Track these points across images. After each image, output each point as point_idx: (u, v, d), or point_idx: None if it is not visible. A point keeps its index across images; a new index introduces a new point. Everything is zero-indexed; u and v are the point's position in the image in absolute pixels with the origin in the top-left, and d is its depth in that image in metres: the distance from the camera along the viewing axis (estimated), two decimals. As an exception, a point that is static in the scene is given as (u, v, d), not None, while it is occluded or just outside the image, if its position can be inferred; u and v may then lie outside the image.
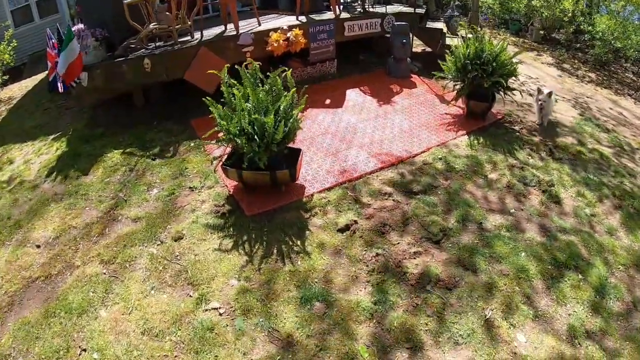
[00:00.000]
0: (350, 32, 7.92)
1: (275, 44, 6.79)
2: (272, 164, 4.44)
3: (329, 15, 7.97)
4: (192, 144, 5.95)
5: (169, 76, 6.38)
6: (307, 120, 6.48)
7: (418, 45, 9.58)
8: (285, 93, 4.46)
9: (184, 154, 5.79)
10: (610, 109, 8.59)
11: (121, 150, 5.79)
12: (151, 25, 6.39)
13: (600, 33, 10.24)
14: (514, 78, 6.58)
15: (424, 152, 5.78)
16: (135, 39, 6.40)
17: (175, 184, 5.17)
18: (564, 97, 8.42)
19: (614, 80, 10.66)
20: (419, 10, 8.69)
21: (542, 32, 12.18)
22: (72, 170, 5.48)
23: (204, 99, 4.65)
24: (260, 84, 4.61)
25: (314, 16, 7.99)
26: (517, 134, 6.63)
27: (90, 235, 4.48)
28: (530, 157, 6.06)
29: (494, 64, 6.07)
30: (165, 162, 5.58)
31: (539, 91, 6.60)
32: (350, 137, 6.00)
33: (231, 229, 4.48)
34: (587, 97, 8.81)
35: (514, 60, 6.40)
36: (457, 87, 6.59)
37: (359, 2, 8.55)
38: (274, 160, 4.53)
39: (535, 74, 9.61)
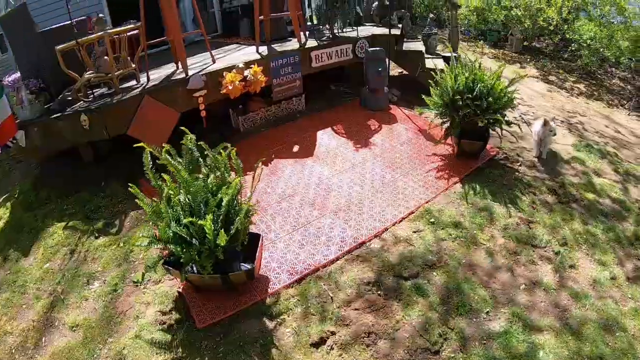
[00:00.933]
0: (319, 63, 6.86)
1: (231, 87, 5.70)
2: (223, 261, 3.35)
3: (293, 43, 6.89)
4: (139, 214, 4.96)
5: (111, 133, 5.32)
6: (272, 177, 5.42)
7: (394, 68, 8.56)
8: (231, 177, 3.33)
9: (130, 228, 4.84)
10: (606, 126, 7.70)
11: (64, 224, 5.00)
12: (87, 75, 5.33)
13: (588, 41, 9.33)
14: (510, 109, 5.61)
15: (413, 213, 4.74)
16: (71, 91, 5.38)
17: (119, 274, 4.27)
18: (556, 118, 7.49)
19: (603, 89, 9.81)
20: (394, 31, 7.66)
21: (523, 42, 11.29)
22: (13, 250, 4.81)
23: (130, 187, 3.53)
24: (199, 160, 3.50)
25: (276, 46, 6.92)
26: (517, 173, 5.66)
27: (26, 347, 3.74)
28: (534, 206, 5.09)
29: (489, 97, 5.05)
30: (109, 241, 4.68)
31: (545, 123, 5.65)
32: (322, 199, 4.94)
33: (179, 349, 3.48)
34: (581, 116, 7.90)
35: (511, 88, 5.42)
36: (445, 124, 5.58)
37: (327, 27, 7.44)
38: (227, 253, 3.45)
39: (523, 91, 8.67)
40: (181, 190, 3.09)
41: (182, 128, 3.60)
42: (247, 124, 6.53)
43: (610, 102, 9.20)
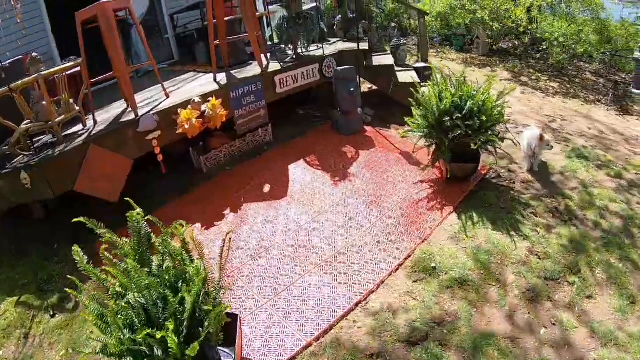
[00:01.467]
0: (284, 88, 6.22)
1: (188, 125, 4.99)
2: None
3: (254, 68, 6.22)
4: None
5: (56, 191, 4.56)
6: (243, 226, 4.72)
7: (363, 83, 7.99)
8: (191, 267, 2.61)
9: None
10: (589, 127, 7.30)
11: (16, 299, 4.33)
12: (24, 125, 4.55)
13: (560, 38, 9.00)
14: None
15: (409, 257, 4.13)
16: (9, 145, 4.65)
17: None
18: (537, 125, 7.05)
19: (576, 86, 9.51)
20: (362, 45, 7.08)
21: (490, 44, 10.93)
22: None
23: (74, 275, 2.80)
24: (151, 237, 2.79)
25: (236, 72, 6.24)
26: (512, 192, 5.15)
27: None
28: (538, 231, 4.57)
29: (481, 116, 4.50)
30: (66, 321, 4.00)
31: (541, 138, 5.18)
32: (305, 251, 4.28)
33: None
34: (561, 119, 7.49)
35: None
36: (431, 146, 5.01)
37: (290, 46, 6.80)
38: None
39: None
40: (133, 286, 2.37)
41: (127, 199, 2.86)
42: (210, 163, 5.82)
43: (586, 98, 8.88)
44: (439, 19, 11.10)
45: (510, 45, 11.54)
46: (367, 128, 6.66)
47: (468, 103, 4.48)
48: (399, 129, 6.69)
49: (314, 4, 8.69)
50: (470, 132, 4.49)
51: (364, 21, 8.94)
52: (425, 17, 8.23)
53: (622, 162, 6.05)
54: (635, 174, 5.72)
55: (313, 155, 5.97)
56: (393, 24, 11.51)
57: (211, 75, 6.26)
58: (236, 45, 6.80)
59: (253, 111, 5.95)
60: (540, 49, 9.80)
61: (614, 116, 8.19)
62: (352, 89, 6.08)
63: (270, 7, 8.66)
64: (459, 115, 4.48)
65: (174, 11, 8.83)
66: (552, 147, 5.30)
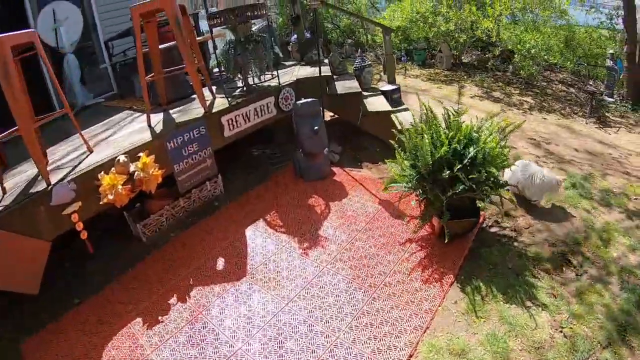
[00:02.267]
0: (233, 130, 5.18)
1: (112, 195, 3.86)
2: None
3: (198, 107, 5.12)
4: None
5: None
6: (195, 325, 3.63)
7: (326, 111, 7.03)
8: None
9: None
10: (576, 150, 6.59)
11: None
12: None
13: (532, 50, 8.35)
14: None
15: (412, 356, 3.17)
16: None
17: None
18: (526, 148, 6.34)
19: (549, 97, 8.89)
20: (324, 70, 6.13)
21: (453, 57, 10.23)
22: None
23: None
24: None
25: (177, 111, 5.19)
26: (515, 244, 4.33)
27: None
28: (555, 294, 3.78)
29: (489, 167, 3.62)
30: None
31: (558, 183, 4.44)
32: (277, 358, 3.22)
33: None
34: (546, 143, 6.78)
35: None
36: (421, 201, 4.08)
37: (239, 76, 5.76)
38: None
39: (475, 115, 7.54)
40: None
41: None
42: (149, 230, 4.70)
43: (562, 111, 8.25)
44: (398, 34, 10.32)
45: (474, 57, 10.89)
46: (336, 169, 5.70)
47: (471, 150, 3.58)
48: (373, 168, 5.77)
49: (265, 23, 7.64)
50: (474, 185, 3.58)
51: (320, 39, 8.04)
52: (391, 33, 7.35)
53: (619, 186, 5.49)
54: (635, 199, 5.21)
55: (274, 211, 4.95)
56: (349, 41, 10.65)
57: (153, 115, 5.16)
58: (176, 77, 5.70)
59: (197, 162, 4.88)
60: (512, 61, 9.12)
61: (595, 129, 7.59)
62: (316, 127, 5.11)
63: (215, 30, 7.53)
64: (461, 165, 3.56)
65: (110, 37, 7.59)
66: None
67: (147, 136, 4.60)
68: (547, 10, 8.62)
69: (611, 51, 8.91)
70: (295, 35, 7.58)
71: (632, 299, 3.66)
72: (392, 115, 5.78)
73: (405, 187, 4.02)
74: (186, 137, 4.70)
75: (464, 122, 4.01)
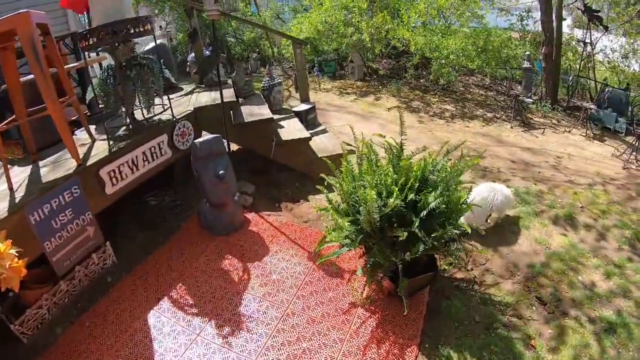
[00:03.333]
0: (118, 184, 4.04)
1: None
2: None
3: (71, 160, 3.90)
4: None
5: None
6: None
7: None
8: None
9: None
10: (512, 161, 6.18)
11: None
12: None
13: (452, 56, 7.95)
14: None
15: None
16: None
17: None
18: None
19: (469, 102, 8.60)
20: (228, 96, 5.16)
21: (365, 67, 9.68)
22: None
23: None
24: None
25: (47, 166, 3.94)
26: (478, 289, 3.71)
27: None
28: (533, 345, 3.23)
29: (452, 216, 2.85)
30: None
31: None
32: None
33: None
34: (476, 150, 6.33)
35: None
36: (368, 261, 3.23)
37: (122, 110, 4.54)
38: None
39: (395, 136, 6.93)
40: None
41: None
42: (29, 328, 3.45)
43: (484, 117, 7.96)
44: (307, 45, 9.58)
45: (387, 66, 10.43)
46: (250, 215, 4.75)
47: (430, 199, 2.77)
48: (294, 208, 4.89)
49: (158, 42, 6.45)
50: (436, 243, 2.79)
51: (222, 54, 7.04)
52: (303, 47, 6.54)
53: (562, 195, 5.21)
54: (581, 207, 4.95)
55: (181, 283, 3.89)
56: (255, 55, 9.74)
57: (18, 169, 3.90)
58: (47, 117, 4.37)
59: (75, 234, 3.69)
60: (430, 69, 8.69)
61: (521, 133, 7.31)
62: (221, 172, 4.12)
63: (94, 54, 6.20)
64: (418, 218, 2.74)
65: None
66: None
67: (1, 209, 3.34)
68: (463, 15, 8.28)
69: (527, 52, 8.80)
70: (193, 54, 6.52)
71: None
72: (311, 143, 4.98)
73: (343, 245, 3.15)
74: (54, 203, 3.50)
75: (411, 156, 3.23)
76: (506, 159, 6.13)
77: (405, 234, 2.67)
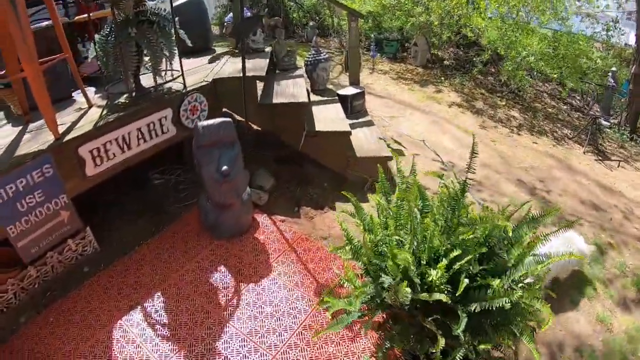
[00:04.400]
0: (103, 165, 3.30)
1: None
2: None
3: (45, 132, 3.18)
4: None
5: None
6: None
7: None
8: None
9: None
10: (581, 201, 5.05)
11: None
12: None
13: (530, 59, 6.73)
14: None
15: None
16: None
17: None
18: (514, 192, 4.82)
19: (539, 113, 7.40)
20: (257, 67, 4.33)
21: (430, 54, 8.53)
22: None
23: None
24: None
25: (31, 133, 3.27)
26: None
27: None
28: None
29: (513, 318, 1.99)
30: None
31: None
32: None
33: None
34: (539, 177, 5.32)
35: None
36: (383, 341, 2.40)
37: (120, 69, 3.50)
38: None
39: (452, 134, 5.95)
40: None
41: None
42: None
43: (554, 134, 6.79)
44: (369, 20, 8.50)
45: (452, 55, 9.22)
46: (260, 217, 3.95)
47: (492, 292, 1.88)
48: (316, 217, 4.07)
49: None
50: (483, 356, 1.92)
51: (276, 18, 6.13)
52: (359, 20, 5.55)
53: (633, 253, 4.16)
54: None
55: (161, 294, 3.20)
56: (312, 23, 8.76)
57: (8, 129, 3.28)
58: (56, 71, 3.63)
59: (46, 218, 3.04)
60: (501, 67, 7.49)
61: (593, 162, 6.14)
62: (224, 168, 3.31)
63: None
64: (464, 317, 1.87)
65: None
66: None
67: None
68: (545, 13, 6.95)
69: (614, 69, 7.43)
70: (232, 14, 5.65)
71: None
72: (352, 137, 4.14)
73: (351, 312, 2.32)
74: (20, 183, 2.83)
75: (472, 222, 2.30)
76: (574, 194, 5.04)
77: (443, 341, 1.80)
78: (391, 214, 2.35)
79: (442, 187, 2.42)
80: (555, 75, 6.73)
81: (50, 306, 3.18)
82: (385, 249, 2.28)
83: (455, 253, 2.03)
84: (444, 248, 2.14)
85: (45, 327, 3.04)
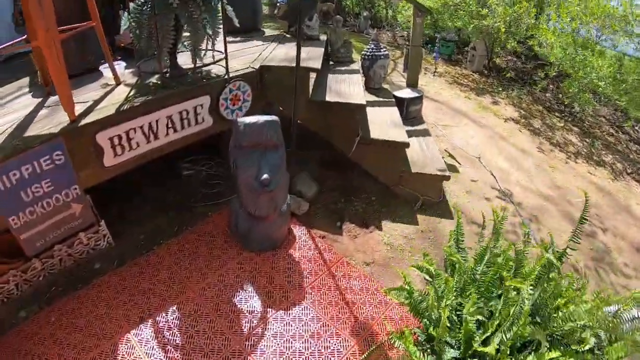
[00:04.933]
0: (124, 155, 2.84)
1: None
2: None
3: (62, 110, 2.69)
4: None
5: None
6: None
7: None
8: None
9: None
10: (637, 250, 4.46)
11: None
12: None
13: (599, 82, 6.03)
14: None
15: None
16: None
17: None
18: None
19: (598, 140, 6.71)
20: (312, 56, 3.82)
21: (487, 59, 7.86)
22: None
23: None
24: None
25: (49, 108, 2.83)
26: None
27: None
28: None
29: None
30: None
31: None
32: None
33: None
34: (596, 215, 4.70)
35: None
36: None
37: (154, 49, 3.01)
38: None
39: (508, 154, 5.38)
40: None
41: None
42: None
43: (613, 166, 6.11)
44: (427, 17, 7.86)
45: (510, 64, 8.53)
46: (297, 231, 3.46)
47: None
48: (360, 236, 3.56)
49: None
50: None
51: (329, 3, 5.60)
52: (425, 17, 4.98)
53: None
54: None
55: (176, 308, 2.75)
56: (365, 13, 8.15)
57: (26, 100, 2.84)
58: (83, 38, 3.17)
59: (53, 210, 2.61)
60: (565, 87, 6.80)
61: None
62: (264, 176, 2.81)
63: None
64: None
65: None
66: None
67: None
68: (617, 32, 6.20)
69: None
70: (285, -5, 5.12)
71: None
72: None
73: None
74: (26, 171, 2.40)
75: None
76: (630, 245, 4.44)
77: None
78: (473, 278, 1.83)
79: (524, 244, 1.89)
80: (623, 103, 6.01)
81: (54, 304, 2.79)
82: (455, 318, 1.78)
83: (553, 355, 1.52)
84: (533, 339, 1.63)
85: (45, 326, 2.65)
